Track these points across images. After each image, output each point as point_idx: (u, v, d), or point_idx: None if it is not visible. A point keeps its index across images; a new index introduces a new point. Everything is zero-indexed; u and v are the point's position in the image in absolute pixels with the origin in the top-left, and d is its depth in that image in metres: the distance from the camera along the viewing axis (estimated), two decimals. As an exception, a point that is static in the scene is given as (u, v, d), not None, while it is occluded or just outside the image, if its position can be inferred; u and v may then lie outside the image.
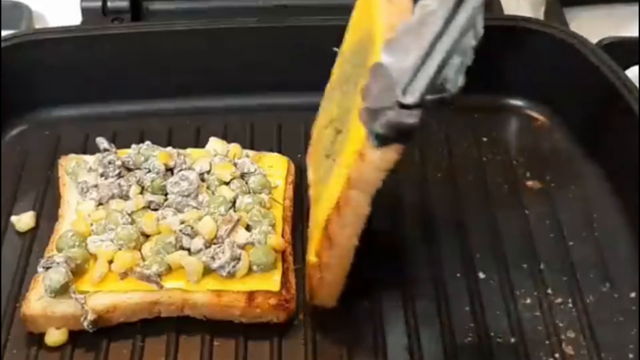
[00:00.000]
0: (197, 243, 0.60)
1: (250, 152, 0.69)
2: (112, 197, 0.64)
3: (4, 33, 0.77)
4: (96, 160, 0.67)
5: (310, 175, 0.66)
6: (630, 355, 0.58)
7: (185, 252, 0.60)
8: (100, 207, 0.64)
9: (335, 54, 0.65)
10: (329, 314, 0.60)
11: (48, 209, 0.68)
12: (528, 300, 0.62)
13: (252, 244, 0.61)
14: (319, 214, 0.58)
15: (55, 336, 0.59)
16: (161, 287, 0.59)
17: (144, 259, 0.60)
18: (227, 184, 0.65)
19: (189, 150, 0.68)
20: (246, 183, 0.65)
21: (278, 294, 0.59)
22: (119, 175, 0.65)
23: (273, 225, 0.62)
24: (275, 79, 0.77)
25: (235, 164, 0.66)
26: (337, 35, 0.64)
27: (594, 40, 0.75)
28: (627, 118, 0.67)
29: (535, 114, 0.77)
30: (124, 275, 0.59)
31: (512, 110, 0.78)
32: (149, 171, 0.65)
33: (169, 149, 0.67)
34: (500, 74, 0.77)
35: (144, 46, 0.76)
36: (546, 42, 0.75)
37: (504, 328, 0.60)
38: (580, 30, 0.76)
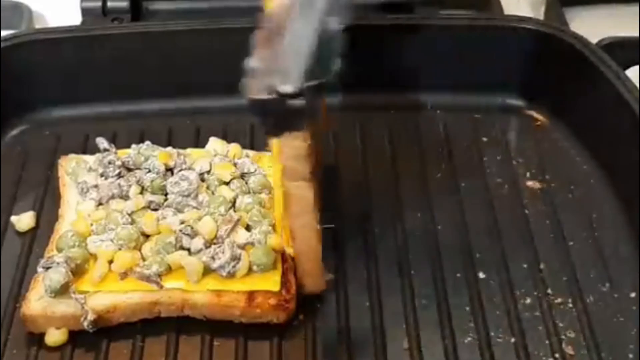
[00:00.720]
0: (197, 243, 0.60)
1: (250, 152, 0.69)
2: (112, 197, 0.64)
3: (4, 33, 0.77)
4: (96, 160, 0.67)
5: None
6: (630, 355, 0.58)
7: (185, 252, 0.60)
8: (100, 207, 0.64)
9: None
10: (329, 314, 0.60)
11: (48, 209, 0.68)
12: (528, 300, 0.62)
13: (252, 244, 0.61)
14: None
15: (55, 336, 0.58)
16: (161, 287, 0.59)
17: (144, 259, 0.60)
18: (227, 184, 0.65)
19: (189, 150, 0.68)
20: (246, 183, 0.65)
21: (278, 294, 0.59)
22: (119, 175, 0.65)
23: (273, 225, 0.62)
24: (275, 79, 0.77)
25: (235, 164, 0.66)
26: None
27: (594, 40, 0.74)
28: (627, 118, 0.67)
29: (535, 114, 0.77)
30: (124, 275, 0.59)
31: (512, 110, 0.78)
32: (149, 171, 0.65)
33: (169, 149, 0.67)
34: (500, 74, 0.77)
35: (144, 46, 0.76)
36: (546, 42, 0.75)
37: (504, 328, 0.60)
38: (580, 30, 0.76)
